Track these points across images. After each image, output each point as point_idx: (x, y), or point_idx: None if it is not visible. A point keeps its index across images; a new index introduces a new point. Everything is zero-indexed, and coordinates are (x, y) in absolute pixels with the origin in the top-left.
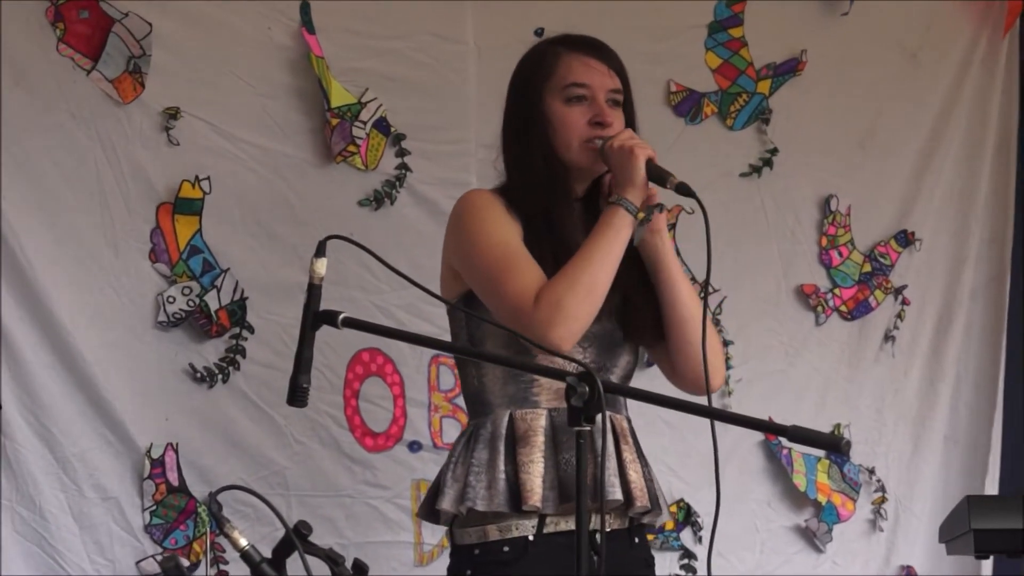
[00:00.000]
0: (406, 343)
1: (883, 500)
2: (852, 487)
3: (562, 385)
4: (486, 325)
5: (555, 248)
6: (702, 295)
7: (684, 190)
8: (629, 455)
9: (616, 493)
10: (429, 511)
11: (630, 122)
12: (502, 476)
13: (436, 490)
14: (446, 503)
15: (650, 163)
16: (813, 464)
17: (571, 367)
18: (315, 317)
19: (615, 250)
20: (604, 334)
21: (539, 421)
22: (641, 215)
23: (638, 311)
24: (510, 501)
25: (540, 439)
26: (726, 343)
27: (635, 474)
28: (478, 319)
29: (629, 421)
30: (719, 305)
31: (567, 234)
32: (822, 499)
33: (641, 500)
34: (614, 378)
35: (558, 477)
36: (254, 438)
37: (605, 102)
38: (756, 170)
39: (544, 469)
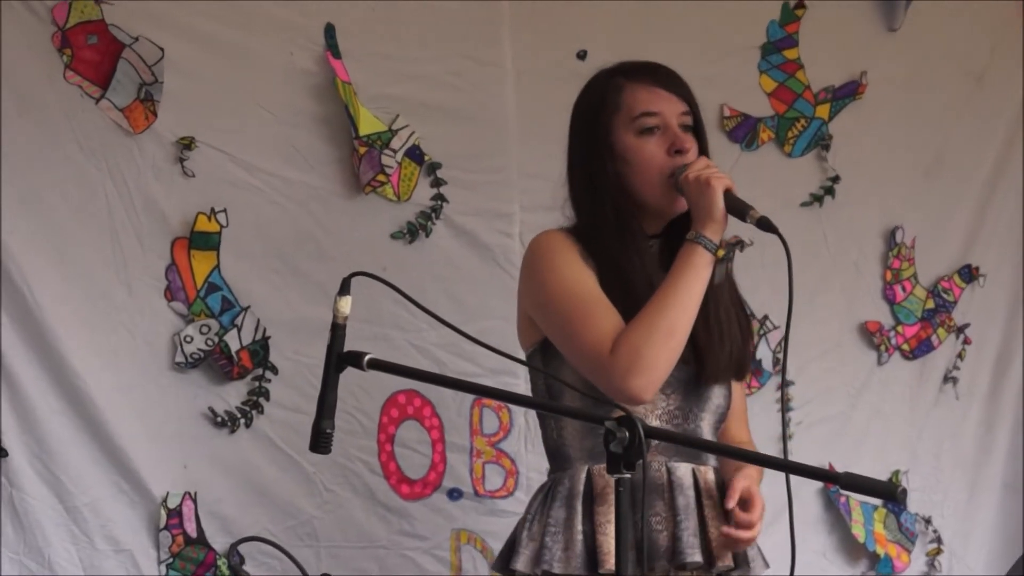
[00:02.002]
0: None
1: (938, 551)
2: (908, 537)
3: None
4: (563, 375)
5: (625, 295)
6: (762, 331)
7: (765, 225)
8: (711, 511)
9: (695, 555)
10: (503, 567)
11: (703, 146)
12: (579, 537)
13: (511, 546)
14: (521, 564)
15: (728, 194)
16: (870, 513)
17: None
18: (339, 359)
19: (695, 292)
20: (690, 379)
21: None
22: (721, 252)
23: (712, 349)
24: (587, 564)
25: None
26: (787, 383)
27: (716, 531)
28: (541, 372)
29: (717, 473)
30: (780, 343)
31: (638, 280)
32: (880, 551)
33: (724, 559)
34: (705, 425)
35: (636, 538)
36: (280, 486)
37: (678, 127)
38: (818, 199)
39: None
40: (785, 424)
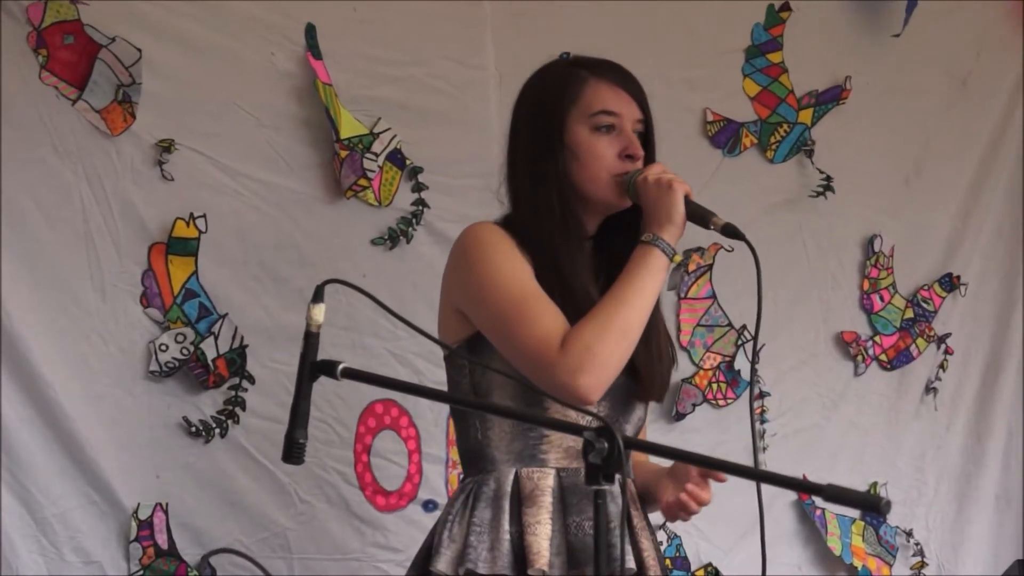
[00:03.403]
0: None
1: (922, 565)
2: (888, 551)
3: (573, 443)
4: (492, 374)
5: (562, 291)
6: (740, 341)
7: (731, 232)
8: (639, 521)
9: (628, 562)
10: (421, 571)
11: (650, 156)
12: (506, 537)
13: (428, 551)
14: (442, 564)
15: (688, 200)
16: (848, 526)
17: (587, 421)
18: (312, 368)
19: (649, 293)
20: (619, 387)
21: (547, 481)
22: (678, 258)
23: (652, 366)
24: (513, 564)
25: (548, 500)
26: (763, 394)
27: (647, 542)
28: (484, 367)
29: (634, 483)
30: (757, 353)
31: (575, 277)
32: (857, 564)
33: (654, 569)
34: (628, 434)
35: (566, 541)
36: (254, 497)
37: (632, 133)
38: (802, 205)
39: (552, 532)
40: (756, 434)
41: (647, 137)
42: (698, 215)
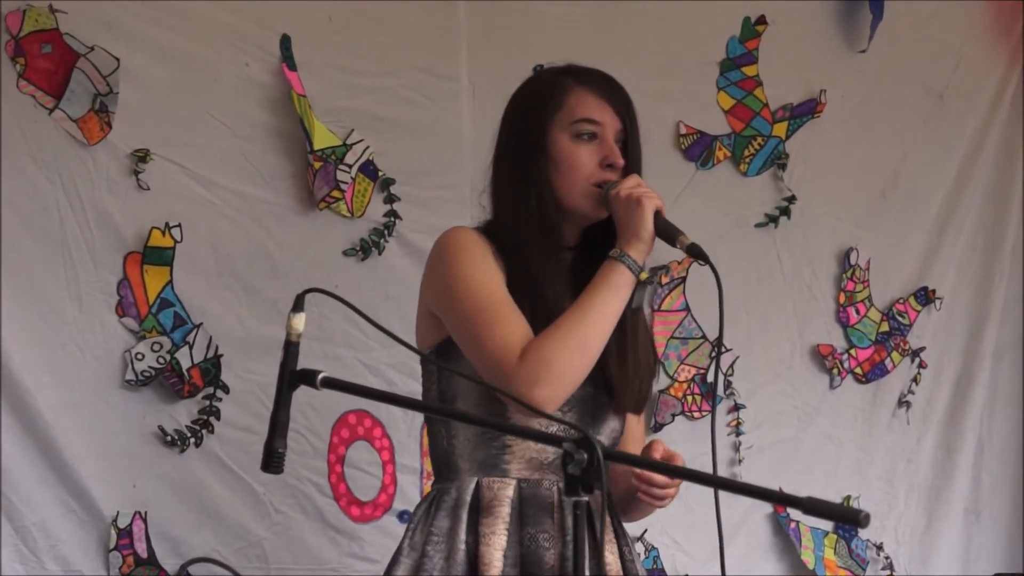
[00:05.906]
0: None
1: None
2: (859, 564)
3: (536, 454)
4: (458, 381)
5: (533, 300)
6: (712, 355)
7: (695, 252)
8: (607, 534)
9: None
10: None
11: (635, 166)
12: (462, 547)
13: (394, 558)
14: (401, 572)
15: (659, 216)
16: (820, 539)
17: (560, 429)
18: (292, 377)
19: (612, 310)
20: (587, 398)
21: (506, 491)
22: (644, 275)
23: (625, 379)
24: (468, 575)
25: (505, 510)
26: (738, 407)
27: (611, 555)
28: (452, 372)
29: (609, 496)
30: (731, 366)
31: (548, 285)
32: None
33: None
34: None
35: (521, 554)
36: (230, 507)
37: (614, 143)
38: (772, 220)
39: (507, 543)
40: (715, 444)
41: (631, 147)
42: (666, 233)
